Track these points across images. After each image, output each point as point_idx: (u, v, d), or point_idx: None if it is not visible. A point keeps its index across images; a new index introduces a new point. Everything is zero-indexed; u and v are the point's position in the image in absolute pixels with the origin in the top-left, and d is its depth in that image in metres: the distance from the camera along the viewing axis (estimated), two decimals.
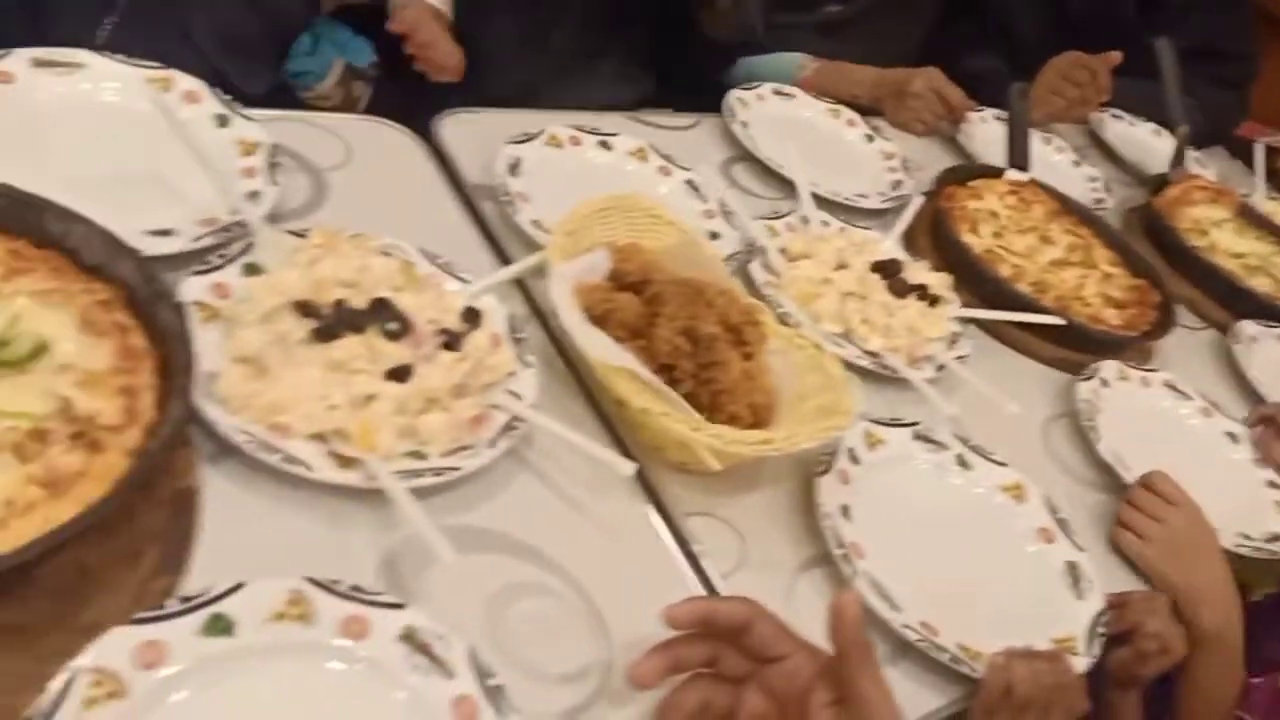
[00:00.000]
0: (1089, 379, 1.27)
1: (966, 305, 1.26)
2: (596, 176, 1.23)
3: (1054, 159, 1.82)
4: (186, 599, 0.62)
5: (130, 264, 0.73)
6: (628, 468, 0.84)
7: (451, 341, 0.85)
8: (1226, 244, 1.72)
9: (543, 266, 0.94)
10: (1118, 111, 2.05)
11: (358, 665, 0.64)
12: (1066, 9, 2.00)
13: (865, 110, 1.67)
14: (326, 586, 0.66)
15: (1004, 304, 1.30)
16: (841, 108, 1.64)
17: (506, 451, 0.83)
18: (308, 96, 1.52)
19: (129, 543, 0.66)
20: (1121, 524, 1.12)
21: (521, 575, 0.79)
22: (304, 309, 0.80)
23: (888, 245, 1.29)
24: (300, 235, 0.88)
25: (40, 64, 0.94)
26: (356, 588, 0.67)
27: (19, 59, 0.93)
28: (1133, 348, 1.39)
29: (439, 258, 0.95)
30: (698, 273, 1.00)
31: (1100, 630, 0.96)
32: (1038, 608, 0.97)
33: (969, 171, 1.54)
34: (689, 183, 1.28)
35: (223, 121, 0.97)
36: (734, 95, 1.50)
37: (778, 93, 1.60)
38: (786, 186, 1.37)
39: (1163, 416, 1.33)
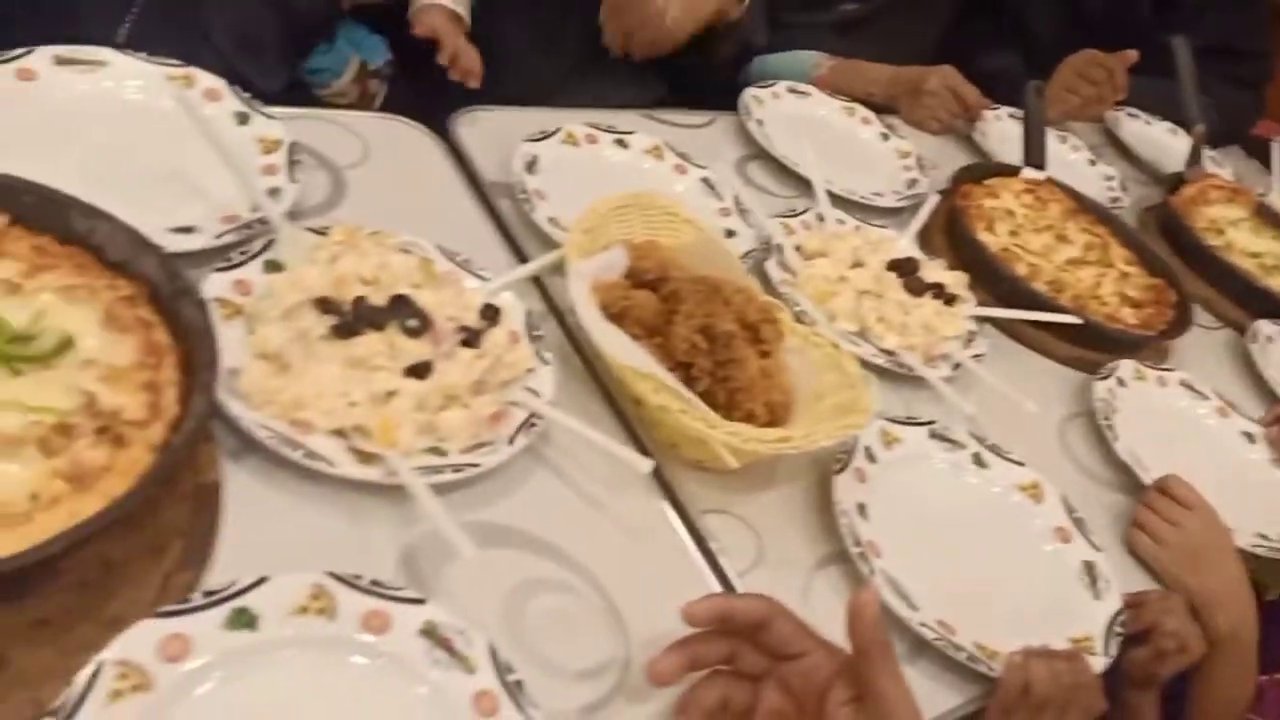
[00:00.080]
0: (1105, 378, 1.27)
1: (982, 304, 1.26)
2: (612, 174, 1.23)
3: (1070, 157, 1.82)
4: (210, 593, 0.62)
5: (153, 261, 0.73)
6: (645, 465, 0.84)
7: (470, 338, 0.85)
8: (1243, 243, 1.71)
9: (560, 264, 0.95)
10: (1133, 110, 2.04)
11: (380, 660, 0.64)
12: (1082, 7, 1.99)
13: (880, 108, 1.67)
14: (348, 581, 0.66)
15: (1020, 303, 1.29)
16: (856, 106, 1.64)
17: (525, 448, 0.83)
18: (324, 94, 1.53)
19: (153, 537, 0.66)
20: (1137, 526, 1.12)
21: (539, 571, 0.79)
22: (325, 306, 0.80)
23: (903, 244, 1.29)
24: (320, 232, 0.88)
25: (62, 62, 0.94)
26: (377, 582, 0.67)
27: (42, 57, 0.93)
28: (1149, 347, 1.38)
29: (457, 255, 0.95)
30: (715, 270, 1.00)
31: (1117, 630, 0.96)
32: (1055, 607, 0.97)
33: (985, 170, 1.54)
34: (705, 181, 1.28)
35: (243, 119, 0.98)
36: (749, 93, 1.50)
37: (793, 91, 1.60)
38: (801, 184, 1.37)
39: (1179, 416, 1.32)
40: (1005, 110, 1.79)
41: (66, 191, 0.74)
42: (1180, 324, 1.41)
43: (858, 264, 1.21)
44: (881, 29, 1.81)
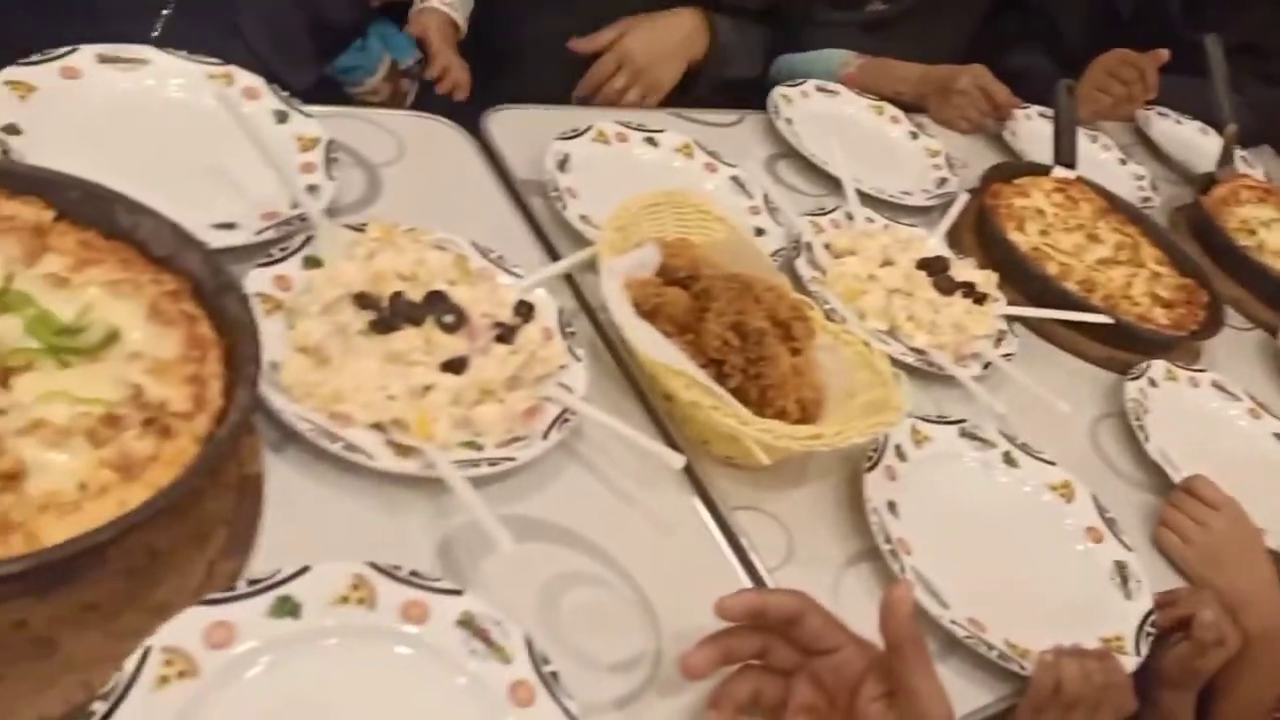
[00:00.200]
0: (1137, 378, 1.26)
1: (1012, 303, 1.26)
2: (643, 173, 1.24)
3: (1100, 157, 1.81)
4: (254, 581, 0.63)
5: (197, 256, 0.74)
6: (678, 460, 0.85)
7: (505, 334, 0.86)
8: (1275, 244, 1.69)
9: (592, 261, 0.95)
10: (1164, 109, 2.03)
11: (422, 650, 0.65)
12: (1113, 6, 1.98)
13: (909, 107, 1.66)
14: (387, 572, 0.67)
15: (1051, 302, 1.29)
16: (885, 104, 1.64)
17: (558, 443, 0.84)
18: (356, 92, 1.54)
19: (197, 526, 0.67)
20: (1164, 526, 1.11)
21: (573, 565, 0.80)
22: (363, 301, 0.82)
23: (933, 243, 1.29)
24: (358, 229, 0.89)
25: (105, 60, 0.96)
26: (415, 573, 0.68)
27: (85, 55, 0.95)
28: (1180, 347, 1.38)
29: (491, 252, 0.96)
30: (746, 268, 1.01)
31: (1149, 630, 0.96)
32: (1086, 607, 0.97)
33: (1015, 169, 1.54)
34: (734, 179, 1.29)
35: (282, 118, 0.99)
36: (778, 92, 1.50)
37: (821, 89, 1.60)
38: (830, 183, 1.38)
39: (1211, 417, 1.32)
40: (1035, 109, 1.78)
41: (110, 187, 0.76)
42: (1212, 325, 1.40)
43: (887, 262, 1.21)
44: (910, 27, 1.80)
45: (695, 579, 0.84)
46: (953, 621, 0.87)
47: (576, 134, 1.22)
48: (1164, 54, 1.78)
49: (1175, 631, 1.01)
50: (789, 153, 1.43)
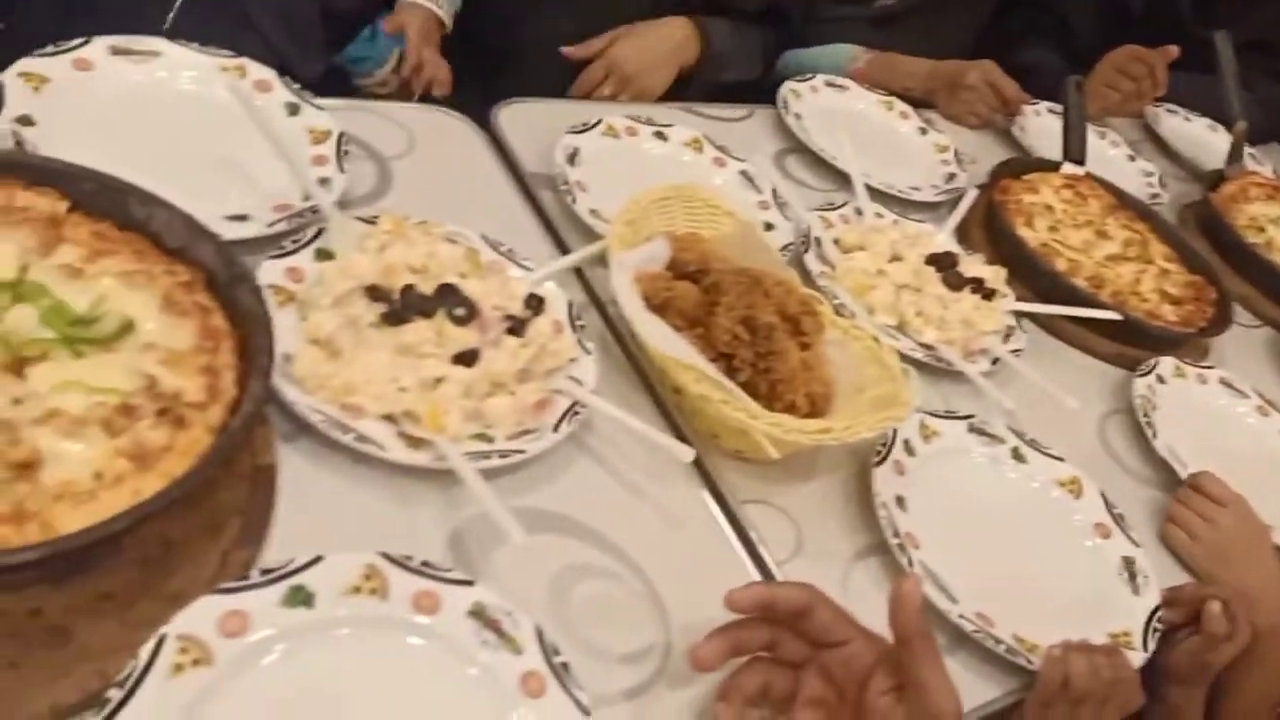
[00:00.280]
0: (1145, 375, 1.26)
1: (1021, 299, 1.26)
2: (652, 167, 1.24)
3: (1109, 153, 1.81)
4: (267, 571, 0.64)
5: (211, 248, 0.74)
6: (687, 454, 0.85)
7: (516, 327, 0.87)
8: None
9: (602, 255, 0.96)
10: (1173, 106, 2.02)
11: (435, 641, 0.66)
12: (1124, 2, 1.98)
13: (917, 103, 1.66)
14: (399, 562, 0.68)
15: (1060, 298, 1.29)
16: (894, 100, 1.64)
17: (568, 436, 0.84)
18: (367, 83, 1.54)
19: (211, 516, 0.68)
20: (1172, 521, 1.11)
21: (583, 557, 0.80)
22: (374, 293, 0.82)
23: (941, 238, 1.29)
24: (369, 222, 0.90)
25: (118, 52, 0.96)
26: (427, 564, 0.69)
27: (97, 47, 0.95)
28: (1188, 344, 1.38)
29: (501, 245, 0.96)
30: (755, 263, 1.01)
31: (1156, 626, 0.96)
32: (1094, 602, 0.97)
33: (1024, 165, 1.54)
34: (743, 173, 1.29)
35: (293, 110, 0.99)
36: (787, 87, 1.50)
37: (831, 84, 1.60)
38: (839, 178, 1.38)
39: (1219, 414, 1.32)
40: (1044, 105, 1.78)
41: (123, 178, 0.76)
42: (1220, 322, 1.40)
43: (896, 258, 1.21)
44: (919, 22, 1.80)
45: (704, 572, 0.84)
46: (961, 616, 0.88)
47: (586, 128, 1.22)
48: (1174, 50, 1.78)
49: (1183, 628, 1.01)
50: (798, 147, 1.43)
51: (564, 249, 1.07)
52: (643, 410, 0.95)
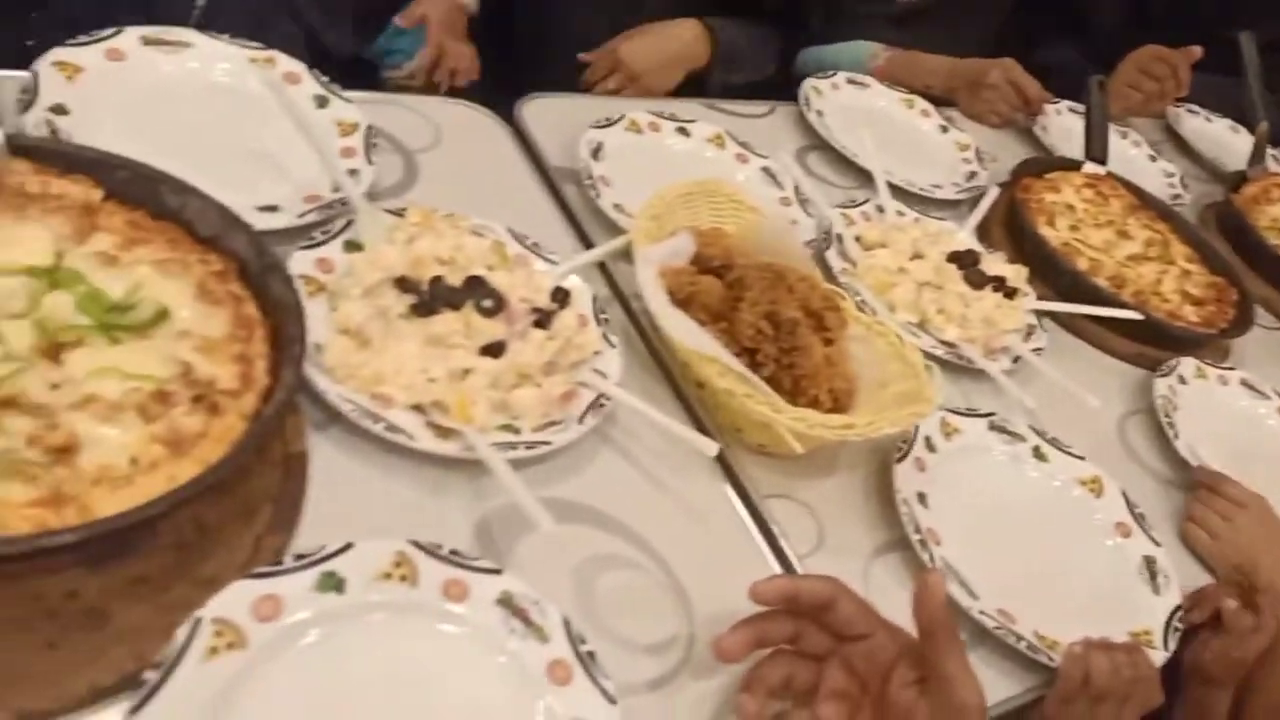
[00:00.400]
0: (1166, 375, 1.26)
1: (1042, 298, 1.26)
2: (675, 162, 1.25)
3: (1130, 153, 1.80)
4: (300, 556, 0.65)
5: (243, 237, 0.75)
6: (712, 447, 0.85)
7: (542, 320, 0.87)
8: None
9: (626, 249, 0.96)
10: (1194, 106, 2.01)
11: (466, 629, 0.66)
12: (1146, 2, 1.97)
13: (938, 101, 1.66)
14: (428, 550, 0.68)
15: (1081, 298, 1.29)
16: (915, 98, 1.64)
17: (593, 428, 0.85)
18: (395, 76, 1.55)
19: (245, 502, 0.69)
20: (1192, 521, 1.11)
21: (608, 548, 0.81)
22: (403, 285, 0.82)
23: (962, 236, 1.29)
24: (397, 214, 0.90)
25: (149, 42, 0.97)
26: (455, 552, 0.69)
27: (130, 37, 0.96)
28: (1209, 345, 1.37)
29: (527, 238, 0.97)
30: (779, 258, 1.01)
31: (1176, 625, 0.96)
32: (1114, 601, 0.97)
33: (1046, 164, 1.53)
34: (765, 170, 1.29)
35: (322, 102, 1.00)
36: (809, 84, 1.50)
37: (852, 82, 1.60)
38: (860, 175, 1.38)
39: (1240, 415, 1.31)
40: (1066, 104, 1.77)
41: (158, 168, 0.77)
42: (1241, 323, 1.39)
43: (917, 255, 1.21)
44: (941, 21, 1.80)
45: (727, 565, 0.85)
46: (982, 612, 0.88)
47: (610, 123, 1.22)
48: (1197, 51, 1.78)
49: (1205, 628, 1.01)
50: (820, 145, 1.43)
51: (587, 243, 1.07)
52: (666, 404, 0.95)
